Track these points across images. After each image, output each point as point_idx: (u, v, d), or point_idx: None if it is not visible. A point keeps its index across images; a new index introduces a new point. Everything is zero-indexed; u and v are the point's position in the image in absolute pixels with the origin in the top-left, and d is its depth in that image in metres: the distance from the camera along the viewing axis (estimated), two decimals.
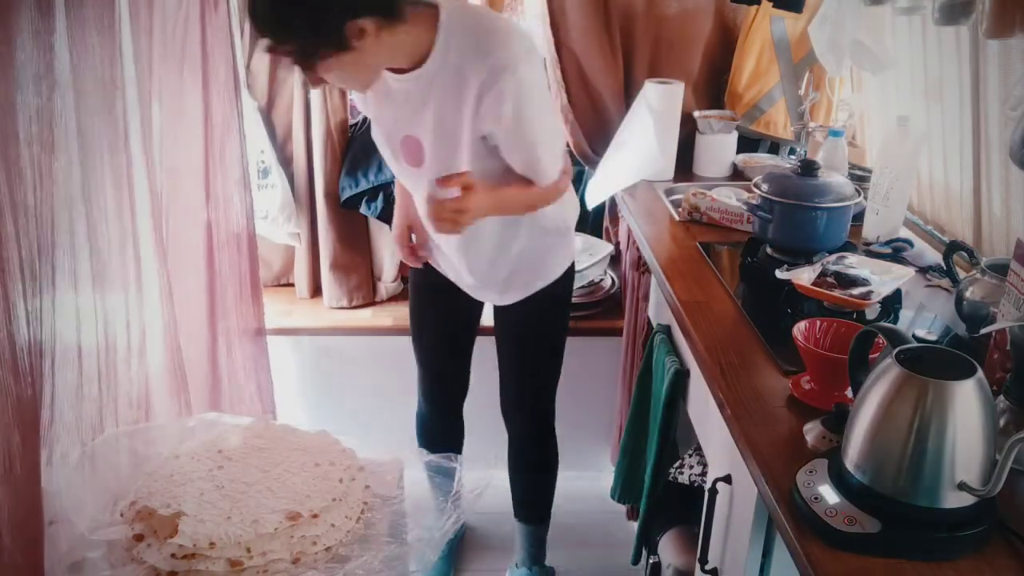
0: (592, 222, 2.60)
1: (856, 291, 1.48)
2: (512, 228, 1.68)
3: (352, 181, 2.41)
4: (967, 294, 1.41)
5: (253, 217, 2.11)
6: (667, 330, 1.79)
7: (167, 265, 1.74)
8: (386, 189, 2.41)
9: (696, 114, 2.37)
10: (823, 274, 1.54)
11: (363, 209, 2.43)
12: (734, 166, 2.38)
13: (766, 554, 1.24)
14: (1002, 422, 1.10)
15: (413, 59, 1.44)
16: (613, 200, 2.39)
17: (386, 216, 2.43)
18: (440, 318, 1.96)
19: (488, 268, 1.74)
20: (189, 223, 1.85)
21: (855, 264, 1.58)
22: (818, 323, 1.31)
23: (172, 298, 1.76)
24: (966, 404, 0.93)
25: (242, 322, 2.08)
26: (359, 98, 1.68)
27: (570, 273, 1.83)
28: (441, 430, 2.11)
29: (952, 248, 1.59)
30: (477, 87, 1.40)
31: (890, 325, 1.11)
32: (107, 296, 1.52)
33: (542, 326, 1.86)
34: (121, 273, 1.56)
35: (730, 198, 2.03)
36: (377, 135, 1.65)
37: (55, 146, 1.30)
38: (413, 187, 1.69)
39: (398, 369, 2.21)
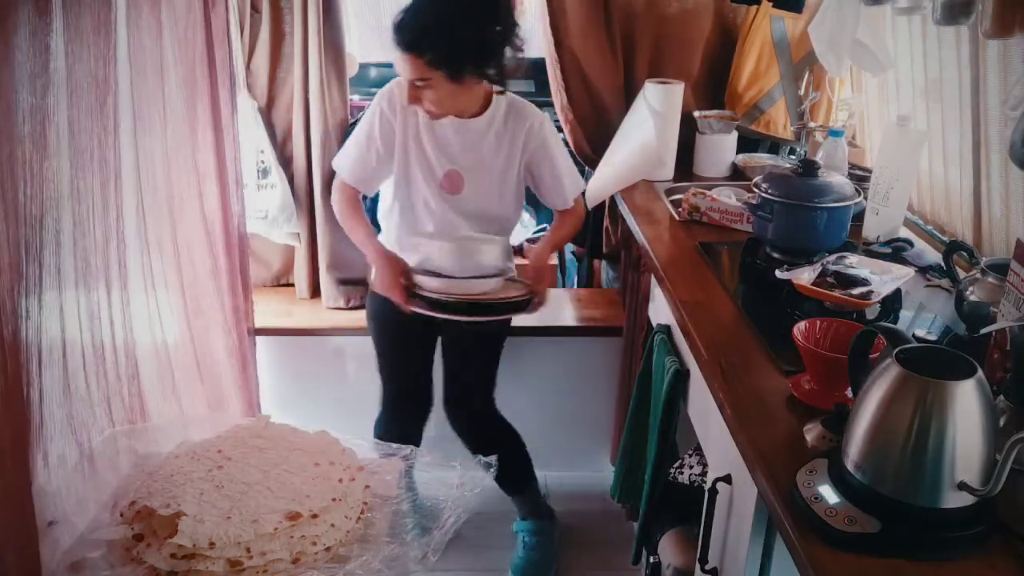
0: (592, 222, 2.60)
1: (856, 291, 1.48)
2: (503, 255, 2.04)
3: None
4: (967, 294, 1.41)
5: (245, 217, 2.12)
6: (667, 330, 1.79)
7: (156, 263, 1.74)
8: None
9: (696, 114, 2.37)
10: (823, 274, 1.54)
11: None
12: (734, 166, 2.38)
13: (766, 554, 1.24)
14: (1002, 422, 1.10)
15: (471, 111, 1.94)
16: (613, 200, 2.39)
17: (370, 211, 2.43)
18: (411, 343, 2.13)
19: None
20: (185, 222, 1.85)
21: (855, 264, 1.58)
22: (818, 323, 1.31)
23: (156, 296, 1.76)
24: (966, 404, 0.93)
25: (235, 321, 2.09)
26: (412, 134, 1.98)
27: None
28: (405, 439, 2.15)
29: (952, 248, 1.59)
30: (524, 133, 1.97)
31: (890, 325, 1.11)
32: (90, 294, 1.51)
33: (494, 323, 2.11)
34: (104, 271, 1.55)
35: (730, 198, 2.03)
36: (410, 166, 1.97)
37: (47, 144, 1.30)
38: (437, 212, 1.99)
39: None
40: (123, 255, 1.61)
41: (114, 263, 1.58)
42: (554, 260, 2.24)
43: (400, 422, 2.18)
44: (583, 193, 2.15)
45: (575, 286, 2.92)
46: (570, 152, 2.50)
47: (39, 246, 1.31)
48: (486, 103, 1.94)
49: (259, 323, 2.36)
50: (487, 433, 2.14)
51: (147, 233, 1.71)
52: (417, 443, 2.17)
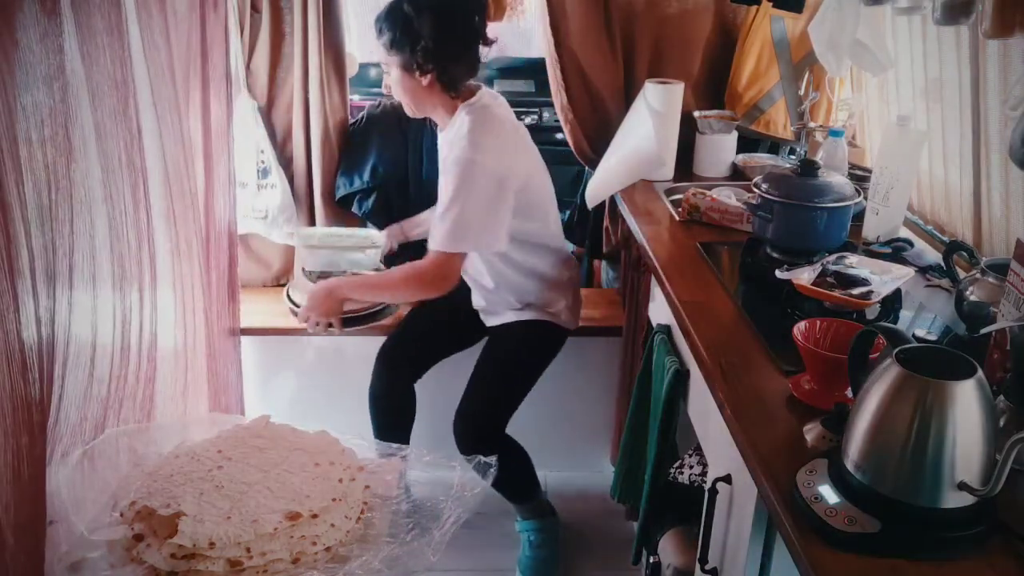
0: (592, 222, 2.60)
1: (856, 291, 1.48)
2: (501, 268, 2.06)
3: (347, 180, 2.42)
4: (967, 294, 1.41)
5: (236, 216, 2.13)
6: (667, 330, 1.79)
7: (177, 265, 1.75)
8: (378, 190, 2.41)
9: (696, 114, 2.37)
10: (823, 274, 1.54)
11: (355, 208, 2.44)
12: (734, 166, 2.38)
13: (766, 554, 1.24)
14: (1002, 422, 1.10)
15: (444, 124, 1.99)
16: (613, 200, 2.39)
17: (375, 216, 2.44)
18: (444, 312, 2.18)
19: (491, 295, 2.12)
20: (186, 222, 1.86)
21: (855, 264, 1.58)
22: (818, 323, 1.31)
23: (180, 296, 1.78)
24: (966, 404, 0.93)
25: (224, 321, 2.10)
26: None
27: (559, 327, 2.16)
28: (396, 394, 2.21)
29: (952, 248, 1.59)
30: (449, 147, 1.93)
31: (890, 325, 1.11)
32: (126, 298, 1.52)
33: (522, 352, 2.13)
34: (138, 274, 1.56)
35: (730, 198, 2.03)
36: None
37: (71, 147, 1.30)
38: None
39: None
40: (153, 257, 1.62)
41: (147, 266, 1.60)
42: (354, 301, 2.11)
43: (393, 360, 2.22)
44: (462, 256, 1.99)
45: None
46: (568, 152, 2.51)
47: (69, 248, 1.31)
48: (451, 116, 1.97)
49: (259, 323, 2.36)
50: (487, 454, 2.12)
51: (176, 235, 1.73)
52: (407, 396, 2.22)
